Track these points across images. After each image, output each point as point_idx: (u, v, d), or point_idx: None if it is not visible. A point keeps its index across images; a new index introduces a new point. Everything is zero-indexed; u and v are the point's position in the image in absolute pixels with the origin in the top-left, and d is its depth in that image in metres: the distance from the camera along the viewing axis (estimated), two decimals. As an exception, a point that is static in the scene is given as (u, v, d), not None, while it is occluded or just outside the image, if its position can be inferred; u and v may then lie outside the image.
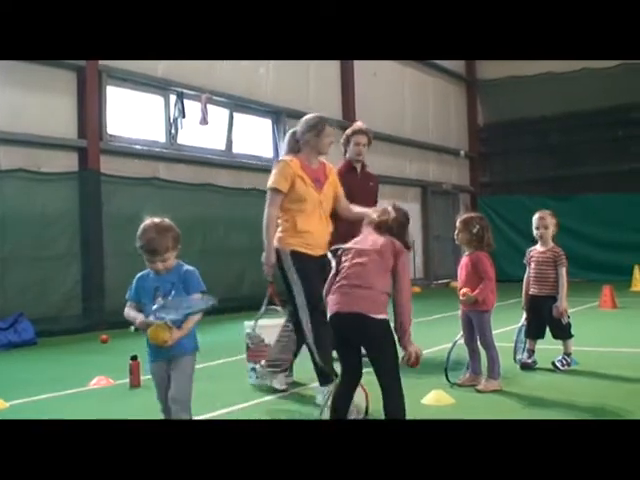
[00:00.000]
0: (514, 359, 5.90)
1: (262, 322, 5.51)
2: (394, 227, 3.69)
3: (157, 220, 3.46)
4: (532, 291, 5.90)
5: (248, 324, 5.69)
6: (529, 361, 5.82)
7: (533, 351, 5.87)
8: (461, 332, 5.32)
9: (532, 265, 5.92)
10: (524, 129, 19.02)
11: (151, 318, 3.34)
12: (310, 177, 4.87)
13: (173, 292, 3.40)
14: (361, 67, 15.54)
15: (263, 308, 5.36)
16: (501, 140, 19.57)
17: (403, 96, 17.47)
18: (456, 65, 19.58)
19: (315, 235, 4.82)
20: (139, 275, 3.55)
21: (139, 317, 3.42)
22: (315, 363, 4.71)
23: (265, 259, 4.80)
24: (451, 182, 19.07)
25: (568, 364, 5.70)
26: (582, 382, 5.29)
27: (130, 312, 3.51)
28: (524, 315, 5.96)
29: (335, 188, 5.06)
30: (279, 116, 13.54)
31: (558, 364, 5.69)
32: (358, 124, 6.68)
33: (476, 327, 5.18)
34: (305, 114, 5.09)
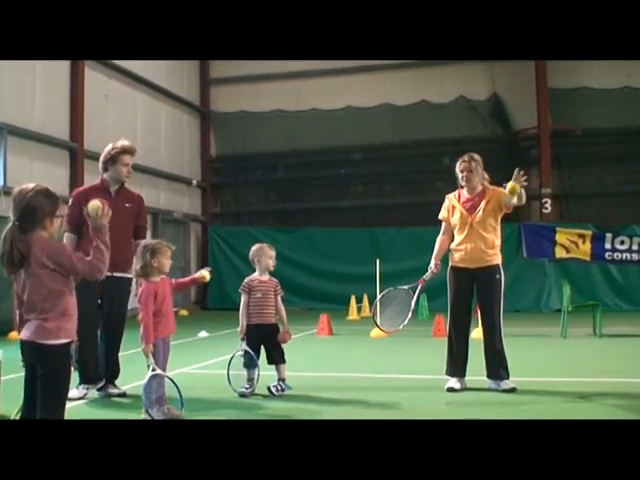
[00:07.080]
0: (234, 390, 5.92)
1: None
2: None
3: None
4: (255, 320, 6.02)
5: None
6: (250, 390, 5.90)
7: (253, 379, 6.00)
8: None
9: (258, 294, 6.06)
10: (254, 163, 19.74)
11: None
12: None
13: None
14: (92, 87, 15.06)
15: None
16: (232, 172, 20.08)
17: (135, 121, 17.18)
18: (190, 95, 19.78)
19: None
20: None
21: None
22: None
23: None
24: (182, 211, 19.11)
25: (282, 389, 5.94)
26: (295, 407, 5.51)
27: None
28: (242, 344, 5.97)
29: None
30: (-1, 132, 12.59)
31: (273, 389, 5.87)
32: (125, 143, 6.06)
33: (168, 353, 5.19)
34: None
